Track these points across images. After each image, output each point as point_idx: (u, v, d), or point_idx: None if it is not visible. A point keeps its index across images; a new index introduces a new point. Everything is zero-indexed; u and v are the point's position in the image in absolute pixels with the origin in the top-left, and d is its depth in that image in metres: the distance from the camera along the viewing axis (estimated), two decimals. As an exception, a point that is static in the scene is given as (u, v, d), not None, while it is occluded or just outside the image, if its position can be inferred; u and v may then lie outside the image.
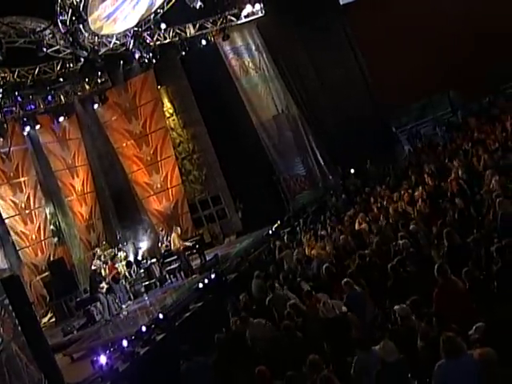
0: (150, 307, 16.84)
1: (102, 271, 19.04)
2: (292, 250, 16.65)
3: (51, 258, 22.21)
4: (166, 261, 19.74)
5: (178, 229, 20.47)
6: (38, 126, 22.90)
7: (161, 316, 13.58)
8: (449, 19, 26.46)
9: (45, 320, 20.56)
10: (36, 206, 22.59)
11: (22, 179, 22.28)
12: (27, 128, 22.31)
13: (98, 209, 25.53)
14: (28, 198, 22.32)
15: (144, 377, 11.44)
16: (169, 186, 25.81)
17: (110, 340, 13.84)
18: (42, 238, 22.42)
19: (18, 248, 21.32)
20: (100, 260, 18.48)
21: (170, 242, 19.58)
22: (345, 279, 11.23)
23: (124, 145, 26.01)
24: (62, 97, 23.72)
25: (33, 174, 22.96)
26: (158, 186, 25.82)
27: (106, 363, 11.45)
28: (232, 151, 25.02)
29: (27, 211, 22.11)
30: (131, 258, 23.12)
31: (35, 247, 22.00)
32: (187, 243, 20.34)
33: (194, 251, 20.28)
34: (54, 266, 20.30)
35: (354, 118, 27.51)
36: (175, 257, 19.25)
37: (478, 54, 25.71)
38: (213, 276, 15.76)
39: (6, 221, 21.17)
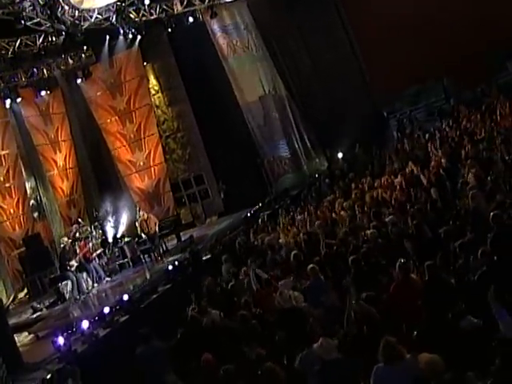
0: (120, 287, 16.71)
1: (77, 248, 18.94)
2: (267, 234, 16.52)
3: (29, 233, 22.07)
4: (140, 240, 19.57)
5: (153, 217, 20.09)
6: (19, 99, 22.62)
7: (125, 297, 13.42)
8: (446, 4, 26.11)
9: (21, 295, 20.50)
10: (16, 180, 22.42)
11: (2, 152, 22.11)
12: (8, 101, 22.04)
13: (79, 185, 25.38)
14: (8, 171, 22.14)
15: (102, 359, 11.31)
16: (151, 164, 25.62)
17: (75, 319, 13.70)
18: (21, 213, 22.28)
19: (-5, 222, 21.20)
20: (68, 237, 18.25)
21: (147, 222, 19.25)
22: (310, 265, 11.13)
23: (108, 121, 25.75)
24: (44, 70, 23.41)
25: (14, 147, 22.75)
26: (141, 163, 25.63)
27: (64, 344, 11.33)
28: (216, 131, 24.84)
29: (6, 185, 21.95)
30: (110, 236, 23.06)
31: (13, 221, 21.87)
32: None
33: (170, 231, 20.05)
34: (29, 242, 20.14)
35: (345, 101, 27.27)
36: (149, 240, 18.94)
37: (473, 42, 25.35)
38: (185, 257, 15.54)
39: (-17, 195, 21.02)
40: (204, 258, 16.50)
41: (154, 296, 14.24)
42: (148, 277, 16.30)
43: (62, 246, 17.13)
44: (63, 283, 16.98)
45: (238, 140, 25.00)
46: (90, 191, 25.75)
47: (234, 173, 24.75)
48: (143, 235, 18.71)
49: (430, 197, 14.00)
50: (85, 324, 11.98)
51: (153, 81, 26.00)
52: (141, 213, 19.02)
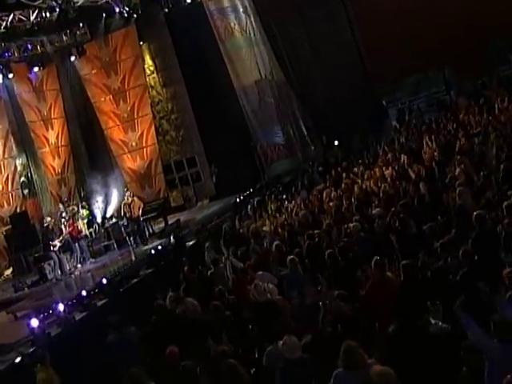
0: (102, 269, 16.56)
1: (63, 228, 18.81)
2: (252, 222, 16.34)
3: (18, 211, 21.91)
4: (127, 223, 19.39)
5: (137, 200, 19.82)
6: (11, 75, 22.36)
7: (104, 281, 13.27)
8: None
9: (7, 272, 20.39)
10: (6, 156, 22.25)
11: (-8, 128, 21.88)
12: (0, 76, 21.78)
13: (71, 163, 25.16)
14: (-3, 147, 21.95)
15: (76, 343, 11.16)
16: (144, 144, 25.39)
17: (54, 301, 13.55)
18: (10, 190, 22.11)
19: (-18, 197, 21.03)
20: (52, 217, 18.07)
21: (130, 206, 19.02)
22: (289, 257, 10.96)
23: (102, 99, 25.49)
24: (38, 46, 23.13)
25: (5, 123, 22.56)
26: (133, 144, 25.40)
27: (39, 326, 11.20)
28: (211, 114, 24.58)
29: (-6, 161, 21.76)
30: (99, 216, 22.94)
31: (1, 198, 21.73)
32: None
33: (157, 214, 19.86)
34: (15, 219, 19.99)
35: (345, 89, 27.02)
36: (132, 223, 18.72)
37: (476, 32, 25.06)
38: (169, 242, 15.37)
39: (-29, 170, 20.82)
40: (189, 244, 16.31)
41: (135, 280, 14.12)
42: (132, 259, 16.11)
43: (45, 225, 16.93)
44: (46, 263, 16.84)
45: (232, 124, 24.74)
46: (81, 170, 25.55)
47: (226, 157, 24.52)
48: (125, 219, 18.38)
49: (418, 191, 13.79)
50: (60, 307, 11.82)
51: (148, 61, 25.68)
52: (126, 195, 18.63)
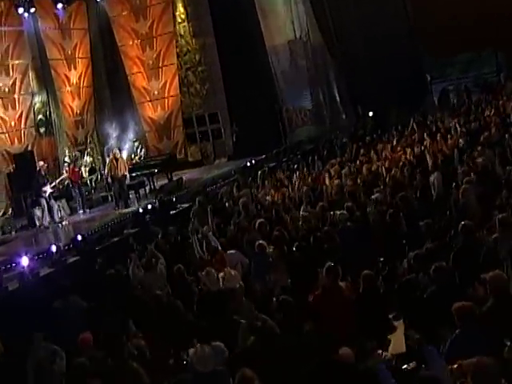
0: (91, 222, 16.04)
1: (64, 172, 18.34)
2: (251, 191, 15.49)
3: (29, 149, 21.54)
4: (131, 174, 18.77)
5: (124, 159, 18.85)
6: (34, 10, 21.68)
7: (79, 237, 12.68)
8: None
9: (9, 211, 20.06)
10: (22, 92, 21.73)
11: (10, 62, 21.32)
12: (20, 10, 21.12)
13: (91, 105, 24.61)
14: (14, 83, 21.43)
15: (32, 302, 10.57)
16: (166, 94, 24.69)
17: (28, 251, 13.03)
18: (22, 127, 21.67)
19: (-8, 133, 20.67)
20: (44, 161, 17.41)
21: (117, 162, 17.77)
22: (259, 241, 10.17)
23: (130, 43, 24.76)
24: (65, -18, 22.40)
25: (26, 59, 21.99)
26: (156, 92, 24.71)
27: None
28: (238, 70, 23.47)
29: (10, 96, 21.25)
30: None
31: (12, 135, 21.29)
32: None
33: (159, 170, 19.10)
34: (20, 159, 19.52)
35: (388, 59, 25.84)
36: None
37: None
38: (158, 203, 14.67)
39: (-15, 103, 20.39)
40: (181, 208, 15.53)
41: (115, 239, 13.47)
42: (122, 215, 15.50)
43: (37, 169, 16.42)
44: (36, 208, 16.42)
45: (258, 82, 23.63)
46: (101, 114, 25.00)
47: (249, 116, 23.51)
48: (109, 177, 17.51)
49: (425, 181, 12.71)
50: (24, 260, 11.30)
51: (180, 8, 24.66)
52: (114, 151, 17.77)
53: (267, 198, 14.36)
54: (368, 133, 23.19)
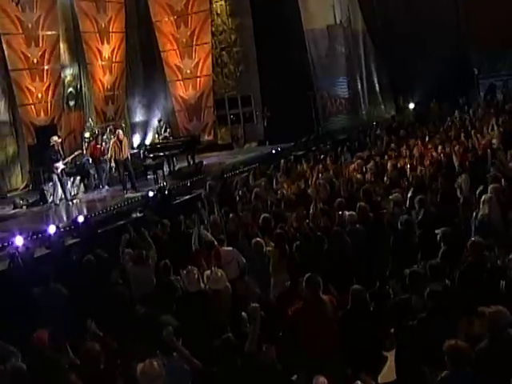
0: (103, 202, 15.58)
1: (84, 148, 17.93)
2: (267, 182, 14.76)
3: (55, 121, 21.20)
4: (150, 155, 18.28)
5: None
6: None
7: (80, 218, 12.20)
8: None
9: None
10: (51, 64, 21.24)
11: (41, 33, 20.85)
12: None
13: (123, 81, 24.10)
14: (43, 54, 20.92)
15: (19, 285, 10.13)
16: (198, 74, 24.17)
17: (33, 228, 12.64)
18: (50, 99, 21.24)
19: (18, 104, 20.29)
20: (59, 136, 16.89)
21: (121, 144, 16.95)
22: (256, 239, 9.51)
23: (165, 20, 24.22)
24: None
25: (58, 30, 21.49)
26: (188, 71, 24.18)
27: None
28: (274, 53, 22.78)
29: (39, 68, 20.86)
30: (136, 142, 22.05)
31: (39, 107, 20.90)
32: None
33: (180, 152, 18.50)
34: (40, 132, 19.15)
35: (434, 50, 24.92)
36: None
37: None
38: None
39: (12, 73, 19.96)
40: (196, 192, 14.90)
41: (120, 222, 12.92)
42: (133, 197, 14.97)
43: (51, 144, 15.99)
44: (48, 185, 16.07)
45: (294, 67, 22.83)
46: (132, 90, 24.57)
47: (282, 101, 22.75)
48: (112, 160, 16.90)
49: (449, 184, 11.79)
50: (18, 240, 10.87)
51: (217, -14, 24.07)
52: (117, 132, 17.17)
53: (279, 190, 13.57)
54: (405, 126, 22.28)
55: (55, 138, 16.21)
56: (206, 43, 23.93)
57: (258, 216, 10.84)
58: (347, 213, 10.21)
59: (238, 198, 13.20)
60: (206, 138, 24.26)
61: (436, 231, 8.86)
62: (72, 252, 10.78)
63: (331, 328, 6.53)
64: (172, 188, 14.74)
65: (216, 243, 9.61)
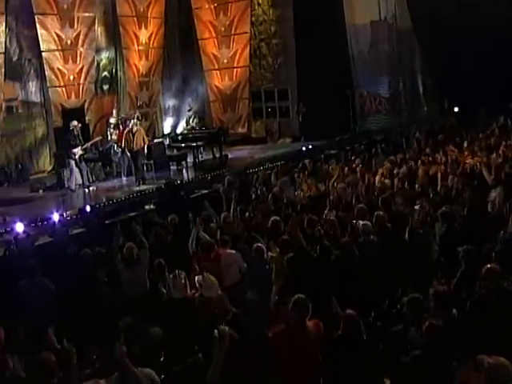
0: (118, 191, 15.14)
1: (109, 135, 17.53)
2: (290, 181, 14.10)
3: (86, 105, 20.92)
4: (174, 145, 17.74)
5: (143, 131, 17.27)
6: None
7: (88, 208, 11.74)
8: None
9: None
10: (85, 46, 20.94)
11: (76, 14, 20.49)
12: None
13: (159, 67, 23.65)
14: (78, 35, 20.60)
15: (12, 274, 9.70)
16: (235, 64, 23.57)
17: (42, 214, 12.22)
18: (82, 82, 20.94)
19: (49, 85, 20.03)
20: (79, 121, 16.40)
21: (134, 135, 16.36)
22: (257, 244, 8.86)
23: (206, 6, 23.65)
24: None
25: (93, 12, 21.14)
26: (225, 61, 23.61)
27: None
28: (313, 47, 21.94)
29: (72, 49, 20.55)
30: (167, 130, 21.59)
31: (70, 89, 20.60)
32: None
33: (205, 144, 17.92)
34: (67, 114, 18.84)
35: (484, 51, 23.76)
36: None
37: None
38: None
39: (44, 54, 19.70)
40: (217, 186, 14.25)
41: (131, 214, 12.43)
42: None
43: (70, 129, 15.61)
44: (66, 169, 15.72)
45: (333, 62, 21.98)
46: (168, 77, 24.13)
47: (319, 97, 21.92)
48: (127, 150, 16.34)
49: (478, 197, 10.91)
50: (19, 227, 10.48)
51: (260, -24, 23.41)
52: (133, 121, 16.58)
53: (298, 191, 12.90)
54: (446, 130, 21.31)
55: (75, 122, 15.83)
56: (244, 33, 23.32)
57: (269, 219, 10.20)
58: (361, 222, 9.45)
59: (253, 197, 12.58)
60: (240, 130, 23.70)
61: (458, 249, 8.10)
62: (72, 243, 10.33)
63: (313, 360, 5.86)
64: (191, 180, 14.13)
65: (215, 245, 9.03)
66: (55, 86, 20.12)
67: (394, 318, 6.95)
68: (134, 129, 15.99)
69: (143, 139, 16.14)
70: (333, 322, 6.23)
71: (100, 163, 17.12)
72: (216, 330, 5.33)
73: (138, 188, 15.08)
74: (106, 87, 22.63)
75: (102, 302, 7.77)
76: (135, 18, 22.58)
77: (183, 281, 7.40)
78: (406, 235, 9.15)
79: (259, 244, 8.70)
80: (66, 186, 15.52)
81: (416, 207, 10.73)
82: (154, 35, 23.30)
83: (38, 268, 8.46)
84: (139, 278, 8.51)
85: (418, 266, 8.37)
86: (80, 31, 20.65)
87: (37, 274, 8.40)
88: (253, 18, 23.39)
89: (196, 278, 7.79)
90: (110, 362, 5.05)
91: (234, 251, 9.14)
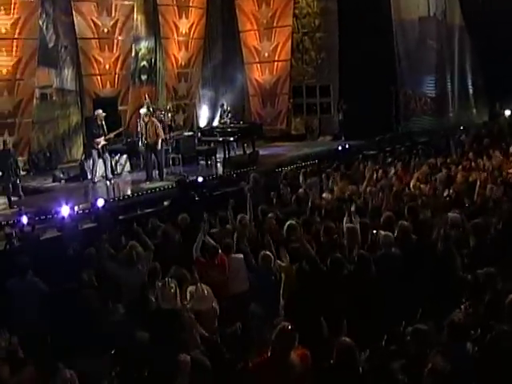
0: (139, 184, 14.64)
1: (138, 126, 17.03)
2: (319, 182, 13.35)
3: (121, 94, 20.56)
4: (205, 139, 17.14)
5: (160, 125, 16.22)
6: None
7: (100, 202, 11.22)
8: None
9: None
10: (123, 35, 20.54)
11: (114, 2, 20.13)
12: None
13: (199, 58, 23.12)
14: (115, 24, 20.25)
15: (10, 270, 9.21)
16: (276, 58, 22.92)
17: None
18: (118, 71, 20.57)
19: (84, 73, 19.72)
20: (104, 111, 15.81)
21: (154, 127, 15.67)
22: (264, 252, 8.18)
23: (246, -4, 23.11)
24: None
25: (131, 1, 20.83)
26: (266, 54, 22.96)
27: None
28: (357, 42, 21.03)
29: (109, 38, 20.17)
30: (203, 123, 21.07)
31: (105, 78, 20.26)
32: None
33: (235, 139, 17.26)
34: (99, 104, 18.35)
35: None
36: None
37: None
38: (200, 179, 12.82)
39: (79, 42, 19.39)
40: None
41: (148, 210, 11.89)
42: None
43: (94, 118, 15.15)
44: (89, 160, 15.29)
45: (378, 59, 20.99)
46: (208, 69, 23.58)
47: (362, 94, 20.97)
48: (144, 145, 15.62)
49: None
50: (24, 219, 10.05)
51: (304, -33, 22.58)
52: (144, 114, 15.82)
53: (325, 194, 12.13)
54: (495, 134, 20.18)
55: (99, 111, 15.34)
56: (287, 26, 22.62)
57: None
58: (382, 232, 8.65)
59: (276, 197, 11.88)
60: (279, 126, 23.02)
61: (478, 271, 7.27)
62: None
63: None
64: (215, 177, 13.51)
65: (219, 249, 8.40)
66: (90, 75, 19.80)
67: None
68: (146, 119, 15.32)
69: (156, 132, 15.36)
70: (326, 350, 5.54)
71: (126, 155, 16.62)
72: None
73: (154, 185, 14.40)
74: (144, 77, 22.21)
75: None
76: (175, 8, 22.08)
77: (173, 290, 6.78)
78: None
79: (267, 252, 8.02)
80: (89, 177, 15.07)
81: (448, 217, 9.80)
82: (194, 25, 22.78)
83: (30, 266, 7.94)
84: (136, 280, 7.94)
85: (441, 285, 7.60)
86: (118, 19, 20.27)
87: (27, 273, 7.89)
88: (296, 11, 22.64)
89: (188, 288, 7.18)
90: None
91: (241, 255, 8.52)
